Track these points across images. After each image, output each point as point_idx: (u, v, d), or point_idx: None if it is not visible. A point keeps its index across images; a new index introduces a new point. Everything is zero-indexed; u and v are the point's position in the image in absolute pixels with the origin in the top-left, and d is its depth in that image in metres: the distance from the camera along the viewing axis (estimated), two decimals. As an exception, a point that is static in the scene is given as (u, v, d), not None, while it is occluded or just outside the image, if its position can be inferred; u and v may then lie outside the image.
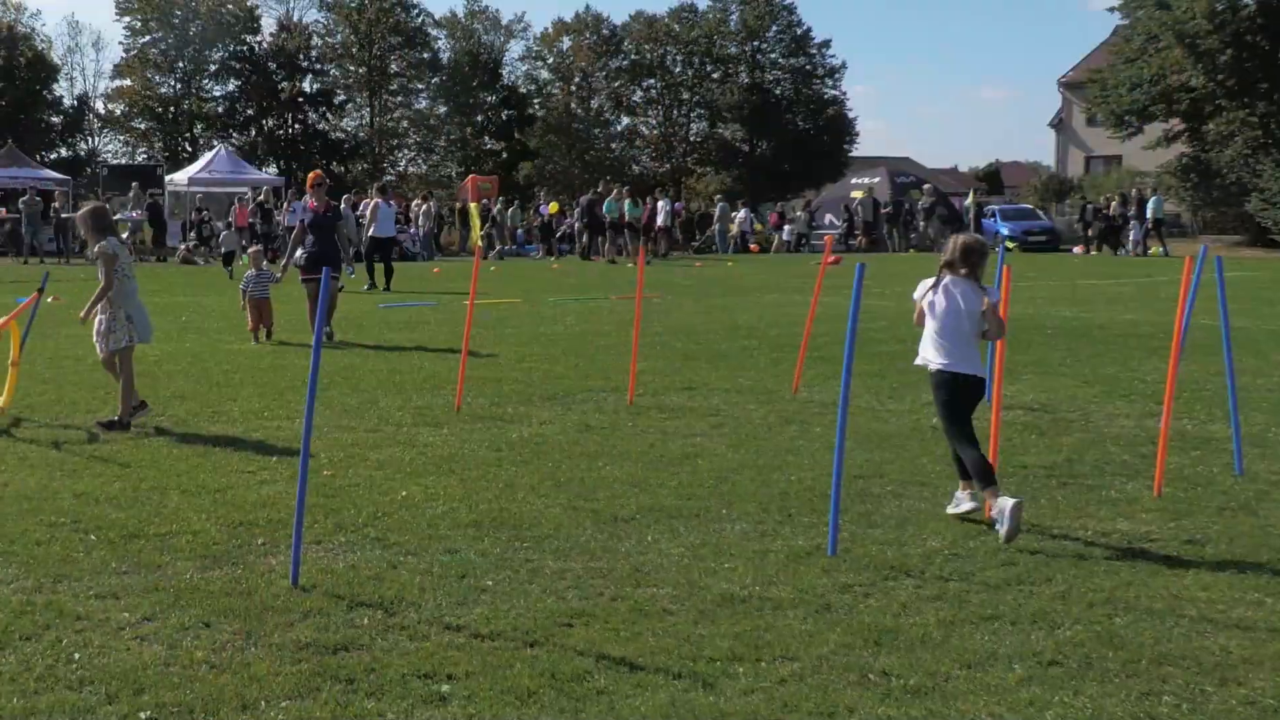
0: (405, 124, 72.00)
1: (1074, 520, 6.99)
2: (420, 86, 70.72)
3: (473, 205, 43.26)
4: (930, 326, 7.12)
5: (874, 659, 4.87)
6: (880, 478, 7.94)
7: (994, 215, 46.49)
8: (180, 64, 66.71)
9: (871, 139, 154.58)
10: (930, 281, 7.18)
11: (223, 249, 31.07)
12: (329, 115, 70.35)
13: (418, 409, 10.65)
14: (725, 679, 4.67)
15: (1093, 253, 41.51)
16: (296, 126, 69.25)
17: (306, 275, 15.71)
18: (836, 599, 5.60)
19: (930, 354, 7.12)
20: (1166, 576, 5.94)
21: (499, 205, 43.89)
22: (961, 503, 7.05)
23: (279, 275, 16.15)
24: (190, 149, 63.96)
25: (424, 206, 42.40)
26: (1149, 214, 40.17)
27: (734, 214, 45.58)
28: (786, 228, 47.78)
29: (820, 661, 4.85)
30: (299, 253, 16.16)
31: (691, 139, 72.56)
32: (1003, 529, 6.47)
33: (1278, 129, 43.15)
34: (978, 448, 6.93)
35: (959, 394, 7.08)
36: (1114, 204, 42.35)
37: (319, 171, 17.57)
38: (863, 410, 10.24)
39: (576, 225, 40.99)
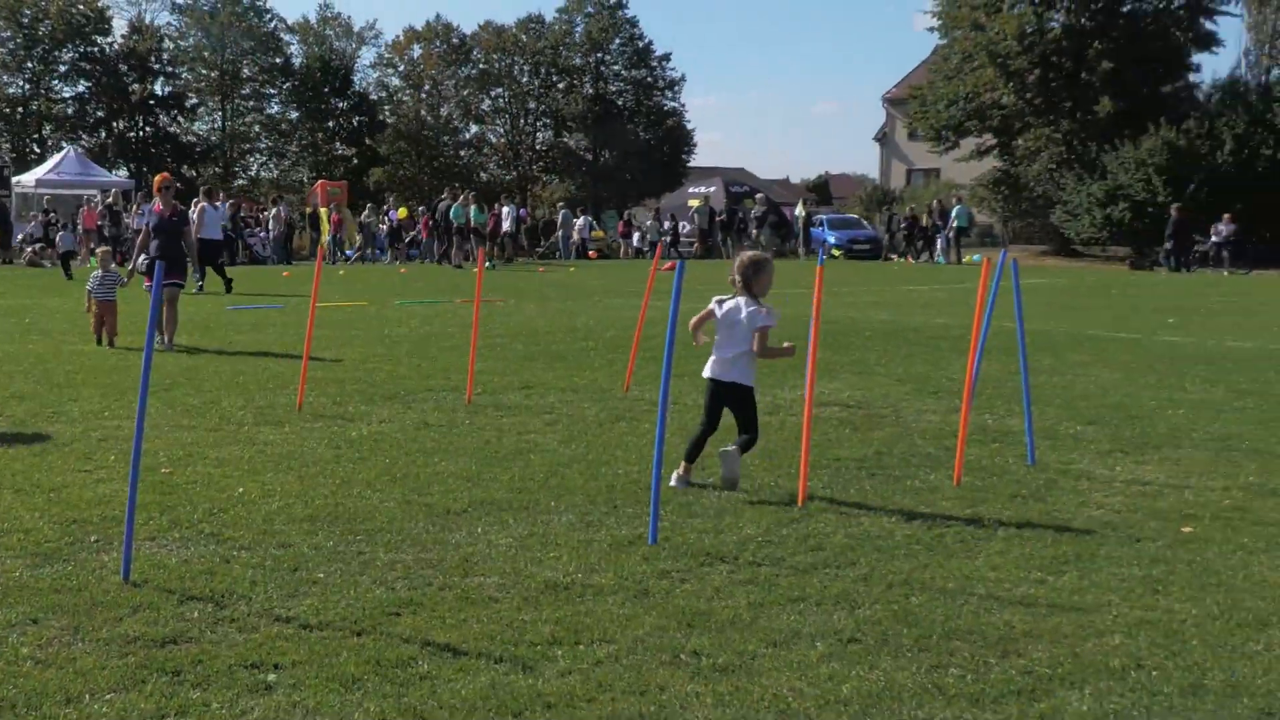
0: (257, 128, 70.54)
1: (880, 508, 7.19)
2: (272, 91, 69.37)
3: (323, 210, 42.61)
4: (716, 339, 7.66)
5: (686, 640, 4.95)
6: (702, 470, 8.05)
7: (822, 224, 47.50)
8: (29, 64, 64.33)
9: (711, 150, 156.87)
10: (719, 299, 7.68)
11: (60, 249, 30.09)
12: (180, 118, 68.57)
13: (259, 409, 10.48)
14: (545, 661, 4.70)
15: (910, 261, 42.62)
16: (147, 129, 67.32)
17: (150, 280, 15.25)
18: (654, 584, 5.67)
19: (709, 366, 7.72)
20: (960, 559, 6.15)
21: (367, 210, 43.35)
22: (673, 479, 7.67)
23: (125, 279, 15.60)
24: (39, 150, 61.75)
25: (274, 210, 41.60)
26: (951, 222, 41.47)
27: (575, 220, 45.67)
28: (635, 234, 48.05)
29: (636, 643, 4.91)
30: (141, 258, 15.68)
31: (537, 147, 72.50)
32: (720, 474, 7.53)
33: (1079, 146, 44.88)
34: (706, 437, 7.74)
35: (724, 400, 7.69)
36: (924, 215, 43.65)
37: (166, 174, 16.87)
38: (689, 407, 10.37)
39: (424, 233, 40.73)
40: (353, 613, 5.23)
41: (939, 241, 42.29)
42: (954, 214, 41.50)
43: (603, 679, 4.54)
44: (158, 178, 16.42)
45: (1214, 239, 37.67)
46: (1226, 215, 37.18)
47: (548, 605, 5.36)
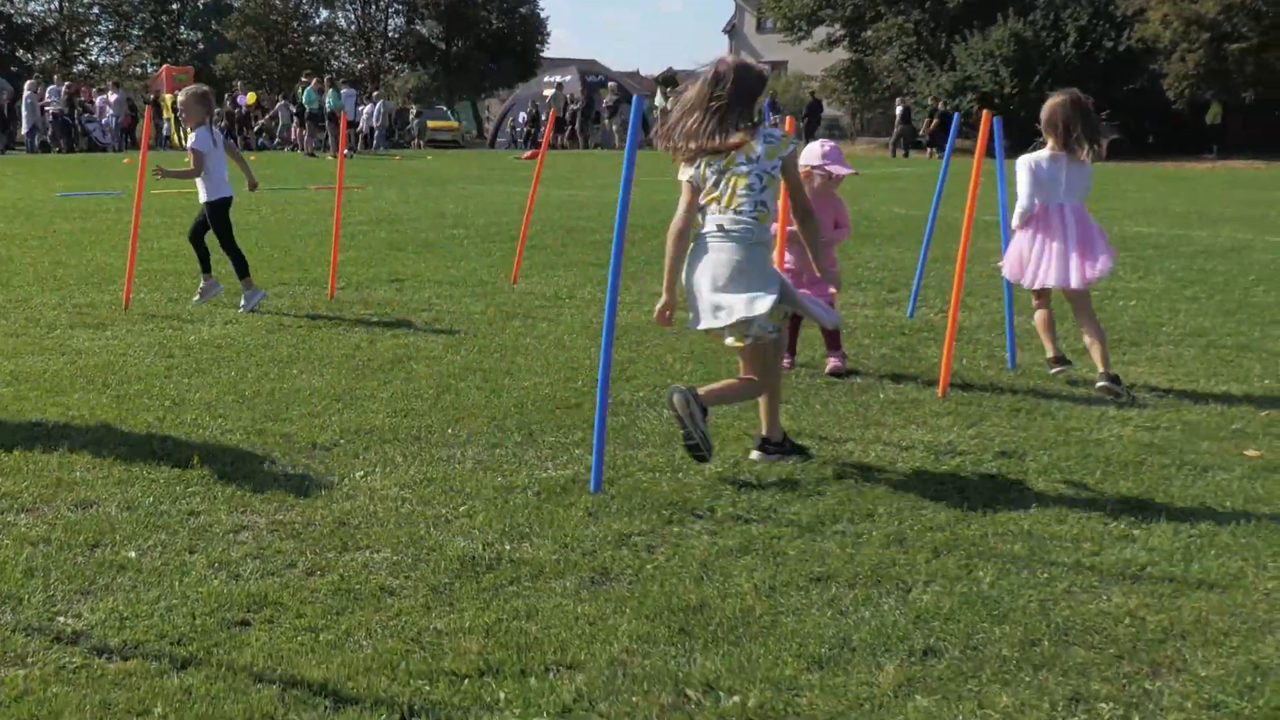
0: (97, 10, 64.95)
1: (863, 432, 5.46)
2: (112, -29, 63.83)
3: (167, 96, 39.17)
4: None
5: (687, 660, 3.18)
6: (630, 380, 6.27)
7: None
8: None
9: (560, 45, 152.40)
10: None
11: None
12: (12, -2, 62.68)
13: (77, 307, 8.37)
14: (498, 712, 2.90)
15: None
16: (-24, 10, 61.44)
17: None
18: (613, 559, 3.88)
19: None
20: (1005, 508, 4.40)
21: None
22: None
23: None
24: None
25: (113, 96, 37.99)
26: None
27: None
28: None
29: (614, 668, 3.14)
30: None
31: (389, 34, 68.34)
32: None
33: (929, 36, 43.43)
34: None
35: None
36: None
37: None
38: (588, 301, 8.53)
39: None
40: (179, 623, 3.33)
41: None
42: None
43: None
44: None
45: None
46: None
47: (463, 596, 3.54)
